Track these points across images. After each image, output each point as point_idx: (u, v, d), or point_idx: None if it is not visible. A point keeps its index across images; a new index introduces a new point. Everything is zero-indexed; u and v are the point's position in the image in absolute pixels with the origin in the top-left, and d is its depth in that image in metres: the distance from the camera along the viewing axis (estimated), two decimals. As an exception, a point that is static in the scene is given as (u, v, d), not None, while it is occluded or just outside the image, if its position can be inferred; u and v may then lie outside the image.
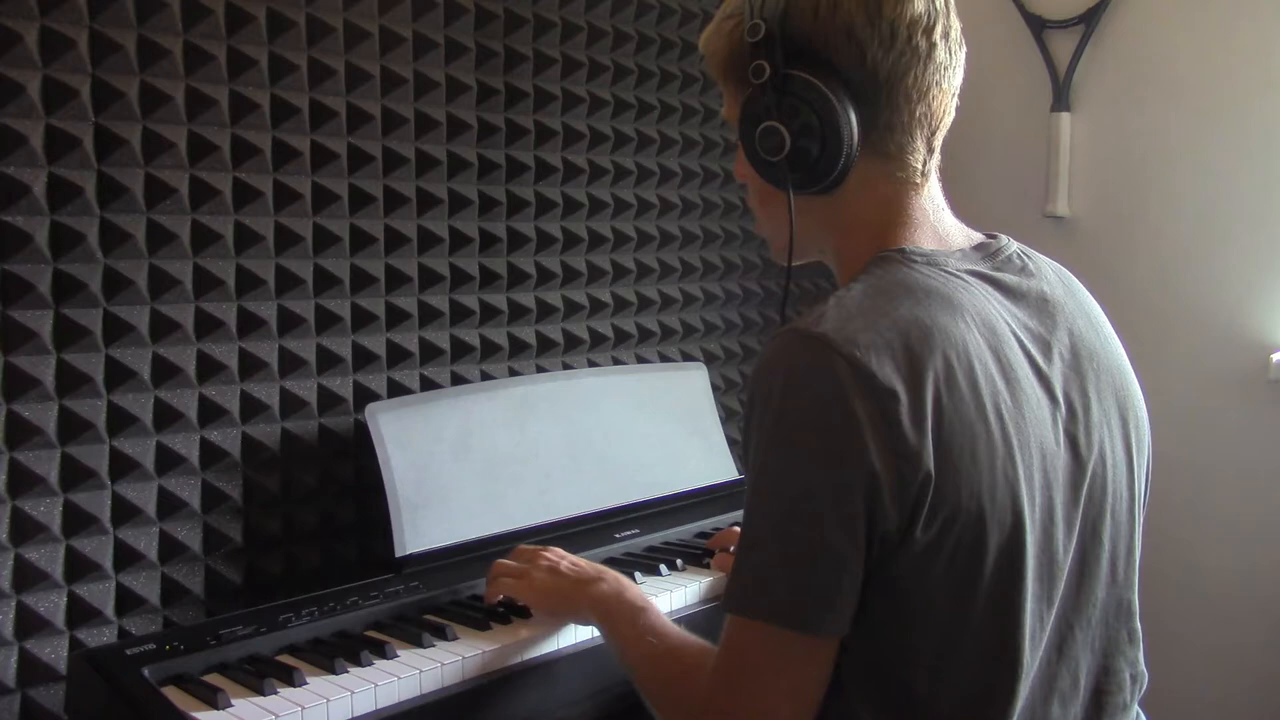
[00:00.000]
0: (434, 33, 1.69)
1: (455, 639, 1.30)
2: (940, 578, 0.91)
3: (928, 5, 0.99)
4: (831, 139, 0.99)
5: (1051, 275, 1.08)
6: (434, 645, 1.28)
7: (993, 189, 2.31)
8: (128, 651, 1.20)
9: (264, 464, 1.52)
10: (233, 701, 1.12)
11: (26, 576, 1.31)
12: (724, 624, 0.96)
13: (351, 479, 1.62)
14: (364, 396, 1.62)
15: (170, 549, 1.43)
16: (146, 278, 1.40)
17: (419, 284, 1.69)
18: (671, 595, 1.45)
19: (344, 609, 1.34)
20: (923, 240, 1.03)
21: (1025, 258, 1.08)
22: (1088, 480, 0.99)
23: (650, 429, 1.84)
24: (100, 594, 1.37)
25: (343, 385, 1.61)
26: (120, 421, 1.38)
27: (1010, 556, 0.92)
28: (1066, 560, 0.97)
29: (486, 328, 1.79)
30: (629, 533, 1.68)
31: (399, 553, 1.48)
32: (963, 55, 1.03)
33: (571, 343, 1.92)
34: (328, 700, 1.13)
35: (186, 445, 1.45)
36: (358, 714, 1.15)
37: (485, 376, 1.78)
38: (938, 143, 1.04)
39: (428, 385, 1.71)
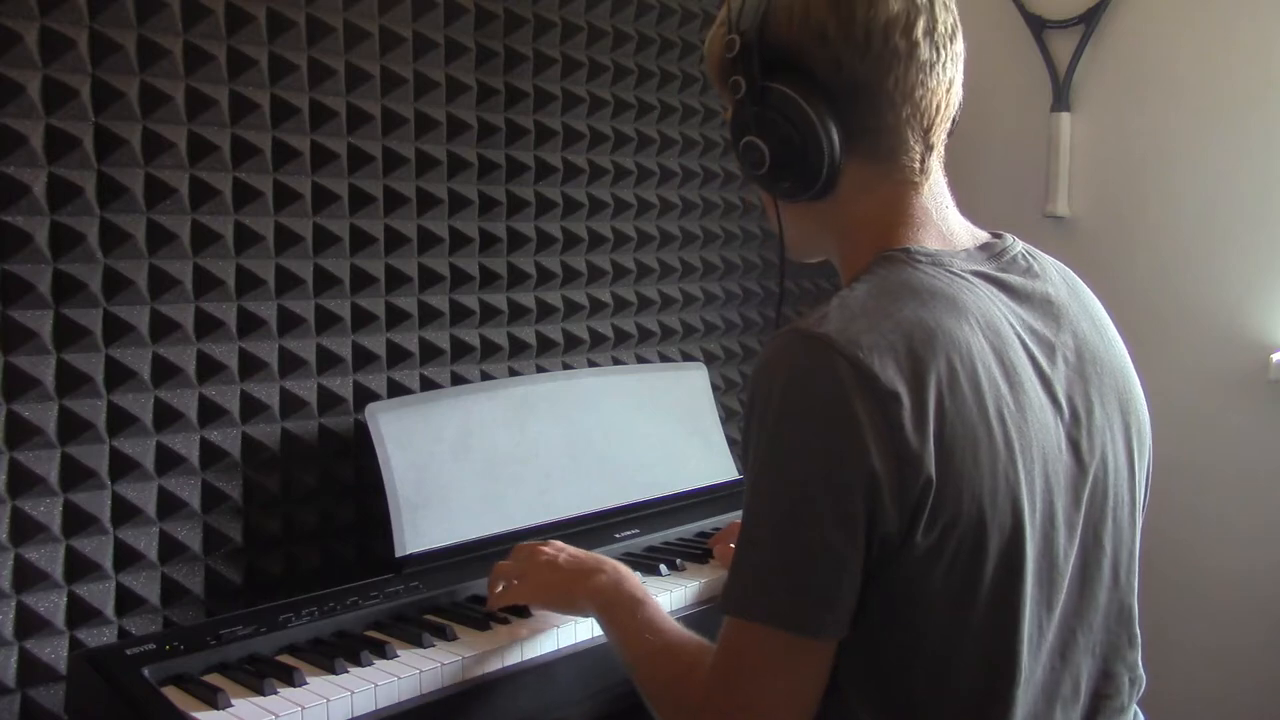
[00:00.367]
0: (434, 33, 1.69)
1: (455, 639, 1.30)
2: (940, 581, 0.90)
3: (906, 4, 0.96)
4: (812, 150, 0.98)
5: (1056, 276, 1.07)
6: (434, 645, 1.28)
7: (993, 189, 2.30)
8: (128, 651, 1.20)
9: (264, 464, 1.52)
10: (233, 701, 1.12)
11: (26, 576, 1.31)
12: (722, 624, 0.96)
13: (351, 479, 1.62)
14: (364, 396, 1.62)
15: (170, 549, 1.43)
16: (146, 278, 1.40)
17: (419, 284, 1.69)
18: (671, 595, 1.45)
19: (344, 609, 1.34)
20: (927, 239, 1.01)
21: (1030, 258, 1.07)
22: (1089, 485, 0.99)
23: (650, 429, 1.84)
24: (100, 594, 1.37)
25: (343, 385, 1.61)
26: (120, 421, 1.38)
27: (1010, 560, 0.91)
28: (1068, 565, 0.97)
29: (486, 328, 1.79)
30: (629, 533, 1.68)
31: (399, 553, 1.48)
32: (956, 48, 1.00)
33: (571, 343, 1.92)
34: (328, 700, 1.13)
35: (186, 445, 1.45)
36: (358, 714, 1.15)
37: (485, 376, 1.78)
38: (937, 139, 1.02)
39: (428, 385, 1.71)
